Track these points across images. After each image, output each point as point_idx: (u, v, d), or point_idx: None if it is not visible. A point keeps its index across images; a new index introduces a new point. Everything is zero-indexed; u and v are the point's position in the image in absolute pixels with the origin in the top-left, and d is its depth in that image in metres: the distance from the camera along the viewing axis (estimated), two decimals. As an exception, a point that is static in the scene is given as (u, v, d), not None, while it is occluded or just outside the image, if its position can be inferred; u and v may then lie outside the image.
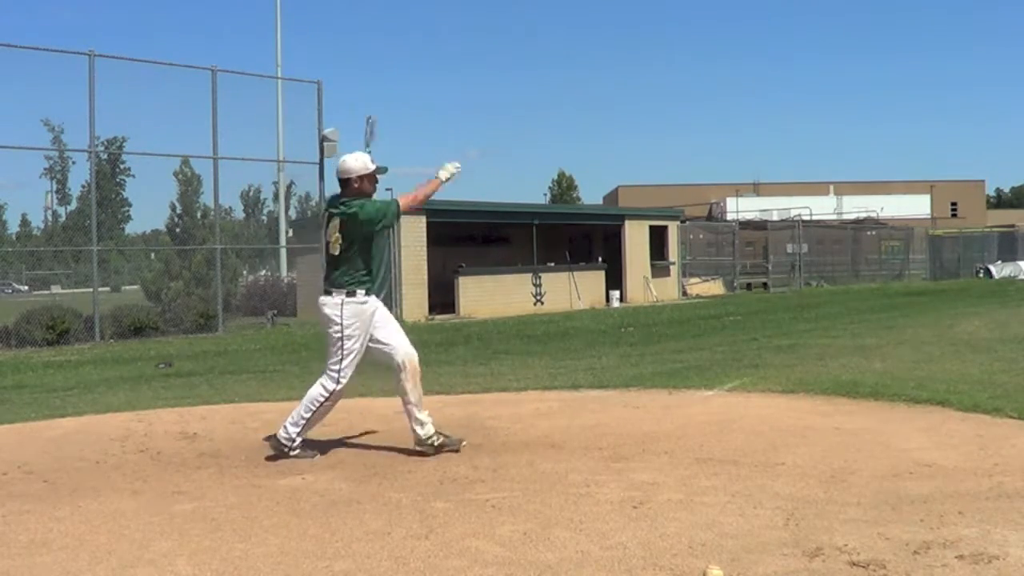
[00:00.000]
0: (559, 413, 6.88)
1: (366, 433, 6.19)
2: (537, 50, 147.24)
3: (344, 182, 5.49)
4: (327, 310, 5.42)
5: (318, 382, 5.48)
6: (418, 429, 5.49)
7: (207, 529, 4.04)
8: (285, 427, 5.46)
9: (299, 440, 5.45)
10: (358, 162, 5.48)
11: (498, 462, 5.21)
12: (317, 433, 5.74)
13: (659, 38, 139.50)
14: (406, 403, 5.52)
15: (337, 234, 5.39)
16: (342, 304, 5.37)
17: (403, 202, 5.58)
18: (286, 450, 5.43)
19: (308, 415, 5.45)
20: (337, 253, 5.41)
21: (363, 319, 5.40)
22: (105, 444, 6.04)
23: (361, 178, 5.45)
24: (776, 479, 4.67)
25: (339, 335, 5.38)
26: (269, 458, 5.47)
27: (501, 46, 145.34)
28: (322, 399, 5.44)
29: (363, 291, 5.40)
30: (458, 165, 5.70)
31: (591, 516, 4.07)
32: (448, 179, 5.67)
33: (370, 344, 5.49)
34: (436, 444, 5.48)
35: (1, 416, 7.48)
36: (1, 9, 71.84)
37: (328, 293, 5.43)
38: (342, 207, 5.42)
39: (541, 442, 5.76)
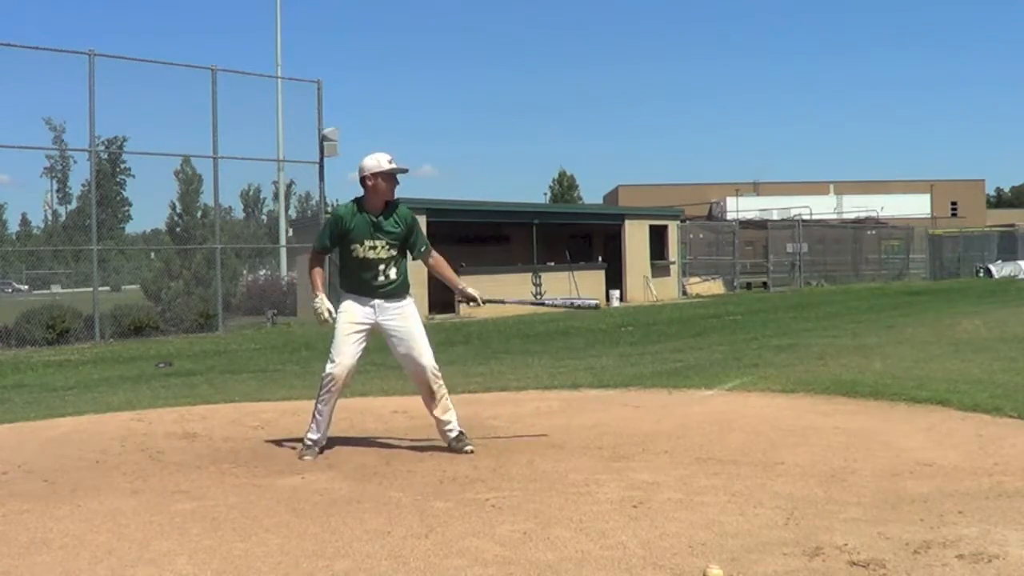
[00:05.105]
0: (559, 412, 6.88)
1: (365, 433, 6.19)
2: (538, 49, 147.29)
3: (360, 180, 5.53)
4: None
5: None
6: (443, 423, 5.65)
7: (207, 528, 4.03)
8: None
9: None
10: (371, 159, 5.51)
11: (498, 462, 5.21)
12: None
13: (660, 37, 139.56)
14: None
15: (389, 251, 5.52)
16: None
17: (432, 260, 5.80)
18: None
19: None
20: (393, 266, 5.57)
21: None
22: (105, 444, 6.04)
23: (375, 175, 5.47)
24: (776, 478, 4.67)
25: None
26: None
27: (502, 45, 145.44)
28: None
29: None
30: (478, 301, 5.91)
31: (591, 515, 4.07)
32: (468, 297, 5.87)
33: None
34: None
35: (1, 416, 7.48)
36: (1, 9, 71.84)
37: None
38: (389, 227, 5.52)
39: (541, 441, 5.76)
